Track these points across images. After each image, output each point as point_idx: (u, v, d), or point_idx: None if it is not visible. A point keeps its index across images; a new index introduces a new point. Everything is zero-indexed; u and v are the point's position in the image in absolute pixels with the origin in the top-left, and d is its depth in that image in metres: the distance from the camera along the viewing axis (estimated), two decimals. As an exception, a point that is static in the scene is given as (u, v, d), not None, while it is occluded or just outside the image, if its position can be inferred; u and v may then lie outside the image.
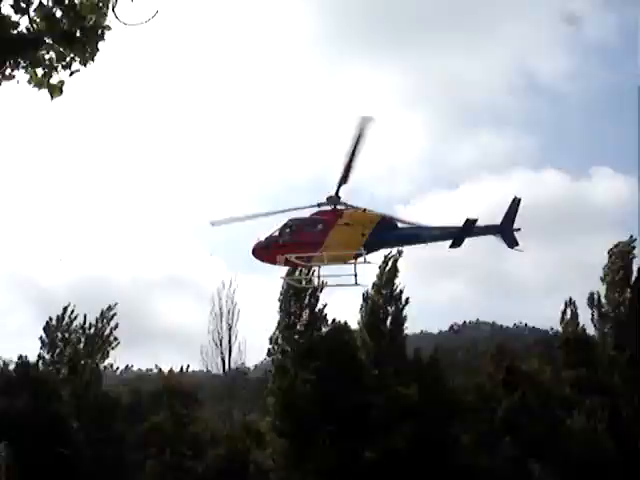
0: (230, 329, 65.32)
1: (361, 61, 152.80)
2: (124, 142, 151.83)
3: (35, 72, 6.45)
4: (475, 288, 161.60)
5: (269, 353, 62.15)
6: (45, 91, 6.51)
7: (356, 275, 35.03)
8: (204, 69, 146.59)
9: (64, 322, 63.95)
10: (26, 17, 6.11)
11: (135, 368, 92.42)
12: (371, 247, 35.40)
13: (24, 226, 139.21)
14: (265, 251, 35.00)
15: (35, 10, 6.10)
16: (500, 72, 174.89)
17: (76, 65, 6.50)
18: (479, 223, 35.61)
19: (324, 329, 61.59)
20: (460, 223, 35.22)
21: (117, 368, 70.54)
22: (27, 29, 6.14)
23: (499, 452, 56.73)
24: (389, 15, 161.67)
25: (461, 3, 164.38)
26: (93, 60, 6.40)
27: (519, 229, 36.76)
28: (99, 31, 6.38)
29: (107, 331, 64.20)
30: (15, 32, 6.15)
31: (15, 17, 6.19)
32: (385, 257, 63.06)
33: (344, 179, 34.37)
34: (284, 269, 36.18)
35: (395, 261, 63.26)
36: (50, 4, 6.10)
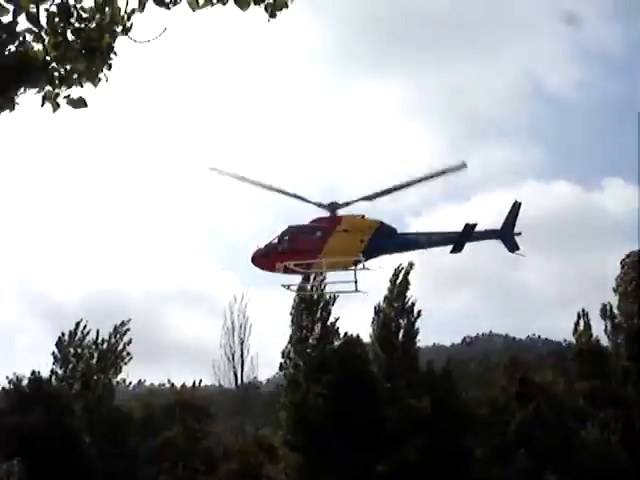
0: (242, 343, 65.35)
1: (367, 75, 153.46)
2: (137, 156, 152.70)
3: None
4: (488, 300, 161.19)
5: (281, 367, 62.14)
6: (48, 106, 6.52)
7: (356, 282, 35.09)
8: (211, 83, 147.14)
9: (76, 337, 64.16)
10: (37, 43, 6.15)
11: (147, 383, 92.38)
12: (370, 253, 35.35)
13: (36, 240, 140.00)
14: (264, 259, 34.96)
15: (47, 34, 6.13)
16: (508, 83, 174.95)
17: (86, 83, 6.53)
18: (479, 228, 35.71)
19: (336, 343, 61.51)
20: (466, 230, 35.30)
21: (130, 383, 70.58)
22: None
23: (513, 465, 56.39)
24: (395, 29, 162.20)
25: (466, 15, 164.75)
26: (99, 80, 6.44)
27: (520, 233, 36.70)
28: (110, 52, 6.40)
29: (120, 346, 64.36)
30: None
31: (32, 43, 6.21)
32: (395, 270, 63.13)
33: (375, 197, 34.38)
34: (284, 277, 35.98)
35: (407, 273, 63.20)
36: (60, 26, 6.13)
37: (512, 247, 36.66)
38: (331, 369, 57.93)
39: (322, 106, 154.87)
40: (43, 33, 6.10)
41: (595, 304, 65.30)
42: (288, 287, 35.42)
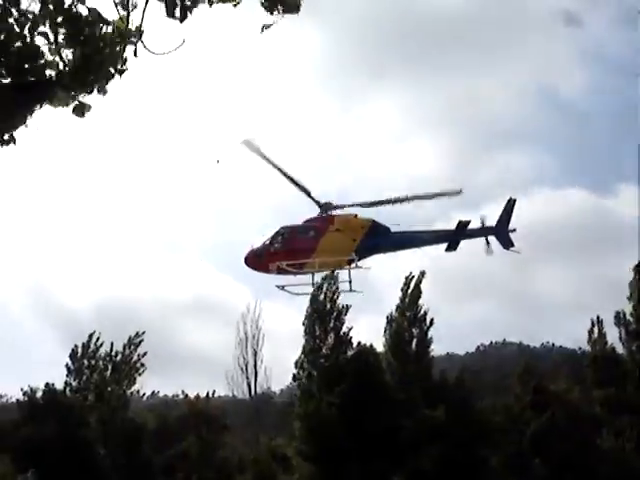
0: (255, 354, 65.39)
1: (370, 84, 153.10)
2: (148, 164, 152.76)
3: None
4: (501, 308, 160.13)
5: (294, 378, 62.05)
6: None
7: (350, 282, 35.17)
8: (210, 89, 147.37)
9: (90, 349, 64.36)
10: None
11: (161, 394, 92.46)
12: (363, 252, 35.38)
13: (50, 251, 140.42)
14: (257, 260, 35.02)
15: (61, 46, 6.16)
16: (519, 90, 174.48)
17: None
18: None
19: (349, 352, 61.40)
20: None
21: (143, 394, 70.67)
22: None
23: (528, 473, 56.05)
24: (400, 37, 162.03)
25: (476, 22, 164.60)
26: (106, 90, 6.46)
27: (514, 230, 36.58)
28: (118, 65, 6.42)
29: (134, 358, 64.51)
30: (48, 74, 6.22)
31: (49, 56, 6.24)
32: (407, 278, 63.07)
33: (371, 205, 34.49)
34: (281, 278, 35.96)
35: (418, 282, 63.10)
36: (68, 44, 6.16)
37: (506, 244, 36.60)
38: (345, 379, 57.81)
39: (325, 116, 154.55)
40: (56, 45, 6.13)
41: (609, 311, 64.88)
42: (282, 288, 35.36)
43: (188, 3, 6.43)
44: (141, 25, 6.30)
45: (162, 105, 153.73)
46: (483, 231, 36.53)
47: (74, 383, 63.52)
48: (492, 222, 36.71)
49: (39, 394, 62.41)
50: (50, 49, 6.10)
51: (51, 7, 5.90)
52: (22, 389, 63.36)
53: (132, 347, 64.77)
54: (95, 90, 6.38)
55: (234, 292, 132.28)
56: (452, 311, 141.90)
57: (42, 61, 6.09)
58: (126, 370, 64.27)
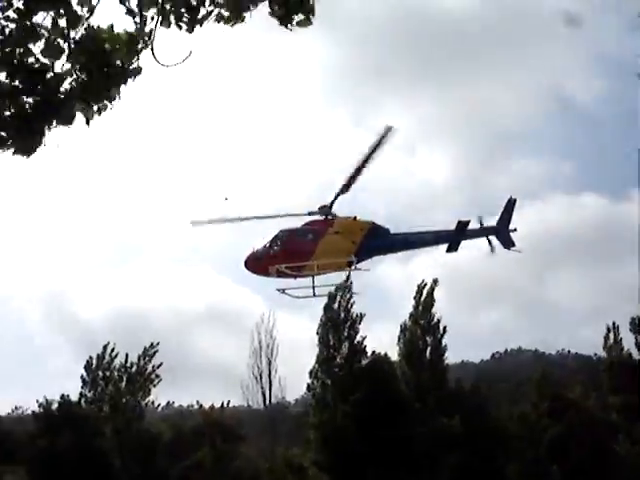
0: (270, 364, 65.25)
1: (386, 95, 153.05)
2: (165, 175, 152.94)
3: None
4: (516, 315, 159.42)
5: (308, 388, 61.94)
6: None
7: (351, 284, 35.24)
8: (217, 97, 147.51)
9: (104, 361, 64.50)
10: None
11: (176, 404, 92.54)
12: (363, 255, 35.39)
13: (65, 263, 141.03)
14: (257, 263, 35.05)
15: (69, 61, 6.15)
16: (533, 97, 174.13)
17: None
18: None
19: (364, 361, 61.25)
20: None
21: (158, 405, 70.70)
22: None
23: (546, 481, 55.76)
24: (412, 44, 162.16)
25: (488, 30, 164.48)
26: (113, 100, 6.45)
27: (515, 229, 36.58)
28: (127, 76, 6.42)
29: (149, 369, 64.59)
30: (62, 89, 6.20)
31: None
32: (419, 286, 62.94)
33: (346, 188, 34.49)
34: (281, 281, 36.02)
35: (431, 290, 62.97)
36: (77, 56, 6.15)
37: (507, 244, 36.61)
38: (359, 388, 57.67)
39: (335, 127, 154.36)
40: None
41: (625, 317, 64.52)
42: (283, 291, 35.38)
43: (199, 17, 6.42)
44: (152, 37, 6.30)
45: (174, 114, 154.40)
46: (484, 231, 36.58)
47: (89, 394, 63.63)
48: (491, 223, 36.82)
49: (54, 406, 62.56)
50: (62, 65, 6.09)
51: (63, 22, 5.90)
52: (38, 401, 63.64)
53: (147, 358, 64.85)
54: (106, 102, 6.36)
55: (248, 302, 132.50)
56: (467, 319, 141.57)
57: (52, 74, 6.08)
58: (141, 381, 64.33)
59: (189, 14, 6.42)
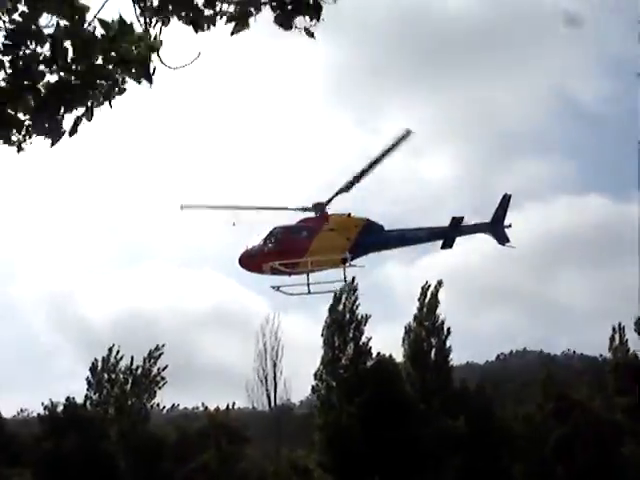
0: (275, 365, 65.23)
1: (390, 97, 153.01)
2: (165, 177, 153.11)
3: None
4: (521, 316, 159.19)
5: (314, 389, 61.88)
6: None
7: (345, 281, 35.25)
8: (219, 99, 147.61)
9: (110, 363, 64.53)
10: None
11: (181, 407, 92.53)
12: (357, 251, 35.44)
13: (70, 265, 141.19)
14: (251, 260, 35.07)
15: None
16: (538, 98, 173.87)
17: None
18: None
19: (369, 363, 61.20)
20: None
21: (163, 407, 70.72)
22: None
23: (551, 482, 55.67)
24: (418, 47, 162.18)
25: (492, 32, 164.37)
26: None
27: (509, 225, 36.61)
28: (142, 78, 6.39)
29: (154, 371, 64.60)
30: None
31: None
32: (423, 288, 62.90)
33: (349, 187, 34.53)
34: (274, 278, 35.99)
35: (436, 292, 62.91)
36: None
37: (502, 240, 36.67)
38: (364, 389, 57.64)
39: (339, 129, 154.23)
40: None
41: (631, 318, 64.35)
42: (278, 288, 35.40)
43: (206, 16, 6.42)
44: (159, 38, 6.31)
45: (176, 116, 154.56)
46: (479, 227, 36.64)
47: (94, 397, 63.68)
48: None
49: (60, 408, 62.67)
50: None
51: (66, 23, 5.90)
52: (43, 403, 63.78)
53: (152, 360, 64.86)
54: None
55: (253, 304, 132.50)
56: (472, 320, 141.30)
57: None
58: (146, 383, 64.35)
59: (194, 15, 6.43)
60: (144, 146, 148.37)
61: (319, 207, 35.50)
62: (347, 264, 35.30)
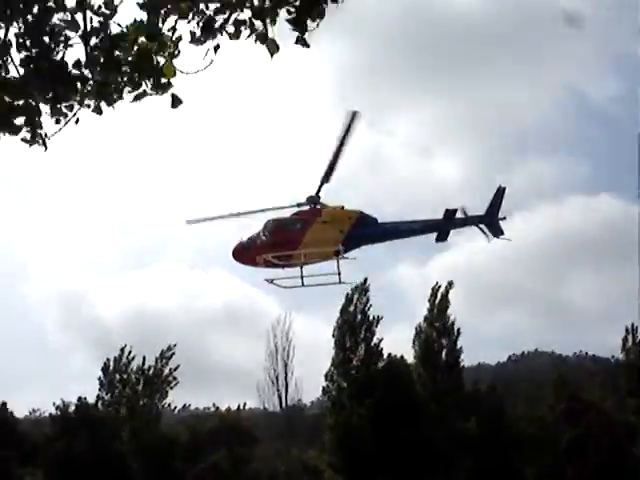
0: (286, 366, 65.25)
1: (401, 98, 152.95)
2: (176, 182, 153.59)
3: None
4: (533, 317, 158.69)
5: (324, 390, 61.85)
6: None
7: (339, 274, 35.23)
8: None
9: (121, 363, 64.68)
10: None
11: (192, 407, 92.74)
12: (351, 243, 35.48)
13: (81, 264, 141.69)
14: (245, 252, 35.15)
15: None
16: (549, 98, 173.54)
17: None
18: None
19: (380, 364, 61.11)
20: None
21: (175, 407, 70.84)
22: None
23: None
24: (428, 46, 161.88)
25: (504, 30, 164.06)
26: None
27: (504, 218, 36.54)
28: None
29: (166, 371, 64.71)
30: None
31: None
32: (433, 289, 62.75)
33: (327, 178, 34.69)
34: (268, 271, 36.05)
35: (446, 293, 62.77)
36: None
37: (497, 232, 36.61)
38: (375, 390, 57.57)
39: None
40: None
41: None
42: (272, 281, 35.44)
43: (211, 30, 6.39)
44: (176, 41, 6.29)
45: (181, 118, 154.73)
46: (473, 219, 36.57)
47: (106, 397, 63.82)
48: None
49: (72, 408, 62.88)
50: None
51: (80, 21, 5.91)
52: (55, 403, 64.03)
53: (164, 361, 64.96)
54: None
55: (264, 304, 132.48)
56: (483, 321, 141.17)
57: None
58: (158, 384, 64.46)
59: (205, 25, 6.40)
60: (156, 149, 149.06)
61: (312, 199, 35.61)
62: (340, 256, 35.33)
